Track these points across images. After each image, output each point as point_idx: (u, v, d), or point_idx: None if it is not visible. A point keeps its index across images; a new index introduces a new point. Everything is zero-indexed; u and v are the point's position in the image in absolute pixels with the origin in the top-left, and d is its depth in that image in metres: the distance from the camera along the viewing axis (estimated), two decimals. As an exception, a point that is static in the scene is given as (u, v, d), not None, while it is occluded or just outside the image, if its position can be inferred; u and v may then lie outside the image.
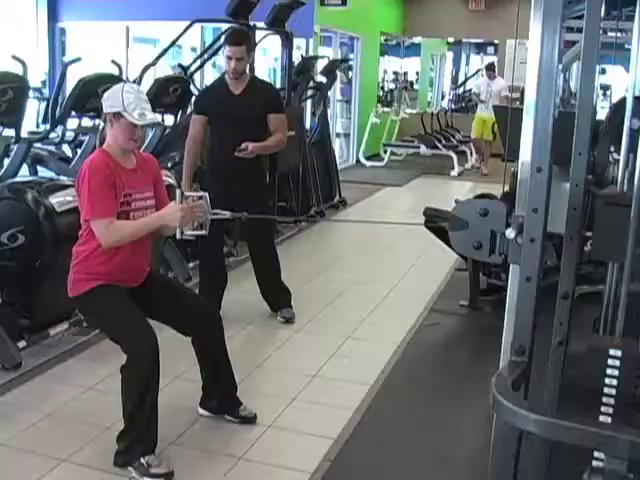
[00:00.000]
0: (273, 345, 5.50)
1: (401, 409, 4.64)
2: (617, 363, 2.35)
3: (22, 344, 4.92)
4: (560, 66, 2.35)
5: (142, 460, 3.70)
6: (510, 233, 2.34)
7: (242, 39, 5.59)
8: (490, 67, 15.49)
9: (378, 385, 4.85)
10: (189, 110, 7.95)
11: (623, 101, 2.85)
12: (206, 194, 3.89)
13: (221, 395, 4.31)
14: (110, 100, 3.75)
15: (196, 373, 4.34)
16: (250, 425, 4.27)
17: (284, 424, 4.33)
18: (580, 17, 2.80)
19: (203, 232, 3.91)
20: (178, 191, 3.77)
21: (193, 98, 7.95)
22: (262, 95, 5.70)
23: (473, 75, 21.56)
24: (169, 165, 6.63)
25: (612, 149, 3.70)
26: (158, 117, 4.04)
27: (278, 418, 4.38)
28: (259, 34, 8.65)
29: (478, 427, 4.09)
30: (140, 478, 3.69)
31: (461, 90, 21.37)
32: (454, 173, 14.91)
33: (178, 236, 3.81)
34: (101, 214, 3.64)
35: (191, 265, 6.67)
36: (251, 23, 8.03)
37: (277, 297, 6.02)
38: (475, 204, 4.06)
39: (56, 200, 5.00)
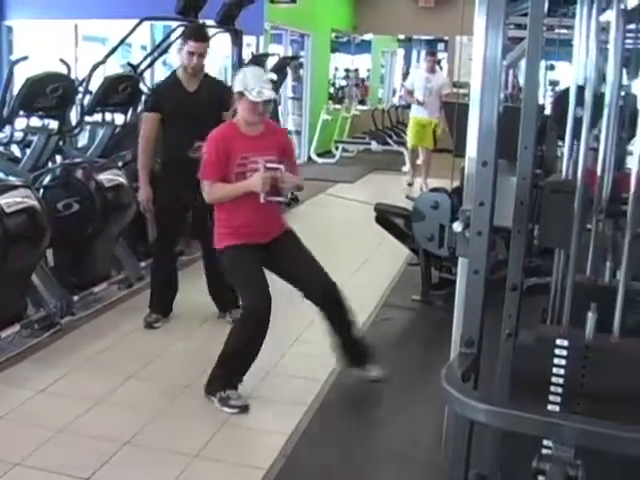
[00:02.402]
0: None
1: (355, 403, 4.68)
2: (564, 352, 2.40)
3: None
4: (504, 62, 2.39)
5: (224, 393, 4.39)
6: (457, 227, 2.38)
7: (206, 35, 5.64)
8: (431, 53, 13.26)
9: (331, 380, 4.87)
10: (140, 108, 7.93)
11: (567, 91, 2.89)
12: (281, 166, 4.40)
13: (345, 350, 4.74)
14: (236, 81, 4.44)
15: (153, 372, 4.33)
16: (207, 422, 4.28)
17: (239, 421, 4.33)
18: (527, 14, 2.84)
19: (281, 198, 4.48)
20: (261, 161, 4.32)
21: (143, 96, 7.93)
22: (216, 92, 5.70)
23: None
24: (120, 164, 6.58)
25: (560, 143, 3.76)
26: (273, 94, 4.46)
27: (233, 415, 4.37)
28: (208, 32, 8.60)
29: (432, 419, 4.12)
30: (221, 407, 4.37)
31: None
32: (405, 169, 14.97)
33: (262, 200, 4.30)
34: (205, 176, 4.46)
35: (143, 264, 6.64)
36: (200, 21, 7.99)
37: (225, 297, 5.96)
38: (428, 197, 4.12)
39: (5, 201, 4.93)
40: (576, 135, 2.75)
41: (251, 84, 4.33)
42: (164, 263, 5.87)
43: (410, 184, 12.96)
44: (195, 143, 5.37)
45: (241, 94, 4.36)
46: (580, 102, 2.70)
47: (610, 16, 2.86)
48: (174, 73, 5.76)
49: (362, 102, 19.25)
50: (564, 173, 2.84)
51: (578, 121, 2.72)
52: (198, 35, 5.55)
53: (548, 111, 5.74)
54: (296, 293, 4.74)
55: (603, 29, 2.96)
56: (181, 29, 8.24)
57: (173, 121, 5.52)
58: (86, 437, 4.07)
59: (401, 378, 4.93)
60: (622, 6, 3.00)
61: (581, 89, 2.70)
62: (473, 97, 2.43)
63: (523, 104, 2.85)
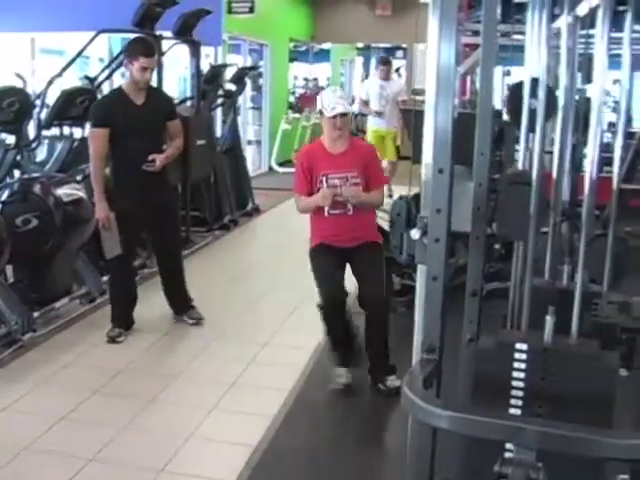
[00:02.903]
0: (189, 355, 5.47)
1: (319, 412, 4.68)
2: (523, 356, 2.42)
3: None
4: (461, 68, 2.41)
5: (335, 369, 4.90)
6: (415, 234, 2.38)
7: (155, 49, 5.69)
8: (385, 62, 12.27)
9: (296, 390, 4.87)
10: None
11: (520, 83, 2.92)
12: (341, 183, 4.70)
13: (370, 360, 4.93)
14: (317, 103, 4.84)
15: (117, 387, 4.28)
16: (172, 436, 4.25)
17: (204, 434, 4.31)
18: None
19: (340, 211, 4.74)
20: (324, 178, 4.71)
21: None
22: (161, 103, 5.83)
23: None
24: (79, 178, 6.52)
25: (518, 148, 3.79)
26: (348, 108, 4.76)
27: (199, 428, 4.36)
28: (166, 43, 8.59)
29: (396, 427, 4.14)
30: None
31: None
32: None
33: (325, 214, 4.74)
34: (295, 190, 4.87)
35: (105, 278, 6.59)
36: (158, 32, 7.96)
37: (182, 300, 6.09)
38: (397, 204, 4.15)
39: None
40: (531, 127, 2.78)
41: (327, 102, 4.71)
42: (123, 277, 5.86)
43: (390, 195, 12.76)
44: (148, 156, 5.46)
45: (321, 113, 4.78)
46: (534, 94, 2.73)
47: (562, 22, 2.90)
48: (119, 87, 5.75)
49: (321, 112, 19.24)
50: (521, 165, 2.86)
51: (532, 112, 2.74)
52: (149, 50, 5.55)
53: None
54: (251, 311, 4.79)
55: (556, 34, 3.00)
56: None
57: (123, 135, 5.46)
58: (51, 454, 4.03)
59: (366, 385, 4.93)
60: (575, 12, 3.05)
61: (535, 81, 2.73)
62: (428, 104, 2.45)
63: (478, 110, 2.87)
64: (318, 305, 4.84)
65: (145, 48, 5.58)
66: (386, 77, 11.89)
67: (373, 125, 11.99)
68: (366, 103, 11.91)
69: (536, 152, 2.68)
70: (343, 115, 4.68)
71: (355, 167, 4.75)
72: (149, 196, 5.55)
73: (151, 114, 5.57)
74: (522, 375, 2.44)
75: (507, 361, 2.45)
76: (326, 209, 4.72)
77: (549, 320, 2.44)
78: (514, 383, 2.45)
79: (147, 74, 5.48)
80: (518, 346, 2.42)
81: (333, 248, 4.84)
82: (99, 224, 5.60)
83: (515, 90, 2.99)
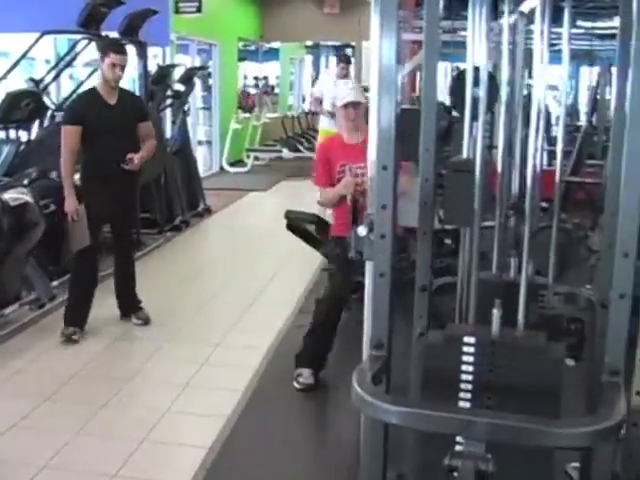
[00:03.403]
0: (142, 357, 5.42)
1: (273, 412, 4.66)
2: (471, 350, 2.44)
3: None
4: (409, 65, 2.42)
5: (298, 370, 4.86)
6: (362, 230, 2.39)
7: (125, 48, 5.73)
8: (346, 59, 10.68)
9: (250, 391, 4.85)
10: (46, 124, 7.79)
11: (463, 72, 2.94)
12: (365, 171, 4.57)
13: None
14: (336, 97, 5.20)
15: (68, 393, 4.22)
16: (126, 440, 4.21)
17: (158, 437, 4.28)
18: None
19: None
20: (347, 167, 4.86)
21: (49, 112, 7.80)
22: (133, 104, 5.92)
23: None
24: (26, 182, 6.44)
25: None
26: (359, 98, 4.93)
27: (152, 431, 4.32)
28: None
29: (349, 424, 4.15)
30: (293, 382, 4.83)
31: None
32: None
33: (348, 203, 4.77)
34: (317, 182, 5.09)
35: (55, 283, 6.52)
36: (103, 33, 7.89)
37: (132, 301, 6.11)
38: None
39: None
40: (474, 115, 2.80)
41: (341, 94, 5.03)
42: (86, 277, 5.81)
43: None
44: (118, 156, 5.52)
45: (334, 105, 5.18)
46: (476, 83, 2.75)
47: (504, 18, 2.93)
48: (93, 87, 5.78)
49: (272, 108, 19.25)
50: (465, 153, 2.87)
51: (475, 101, 2.76)
52: (120, 48, 5.66)
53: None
54: (204, 311, 4.78)
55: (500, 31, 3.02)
56: (85, 42, 8.17)
57: (95, 134, 5.50)
58: (1, 464, 3.97)
59: (320, 382, 4.94)
60: (519, 8, 3.08)
61: (476, 70, 2.75)
62: (371, 101, 2.46)
63: (423, 106, 2.89)
64: (324, 294, 4.99)
65: (115, 45, 5.73)
66: (344, 76, 10.26)
67: (325, 126, 10.30)
68: (319, 101, 10.53)
69: (479, 140, 2.70)
70: (355, 105, 4.90)
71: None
72: (115, 196, 5.62)
73: (123, 114, 5.63)
74: (470, 368, 2.46)
75: (455, 355, 2.46)
76: (348, 198, 4.79)
77: (496, 313, 2.46)
78: (463, 376, 2.47)
79: (117, 71, 5.53)
80: (466, 339, 2.44)
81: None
82: (68, 217, 5.61)
83: (457, 79, 3.01)
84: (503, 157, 2.95)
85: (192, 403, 4.71)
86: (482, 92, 2.73)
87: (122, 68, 5.58)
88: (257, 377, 5.04)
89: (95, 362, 5.34)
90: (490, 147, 3.00)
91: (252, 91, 19.71)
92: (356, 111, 4.89)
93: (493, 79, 2.80)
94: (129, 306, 6.11)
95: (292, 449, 4.19)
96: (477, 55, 2.80)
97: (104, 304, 6.04)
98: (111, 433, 4.32)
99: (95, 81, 6.13)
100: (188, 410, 4.61)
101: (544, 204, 3.31)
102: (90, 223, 5.60)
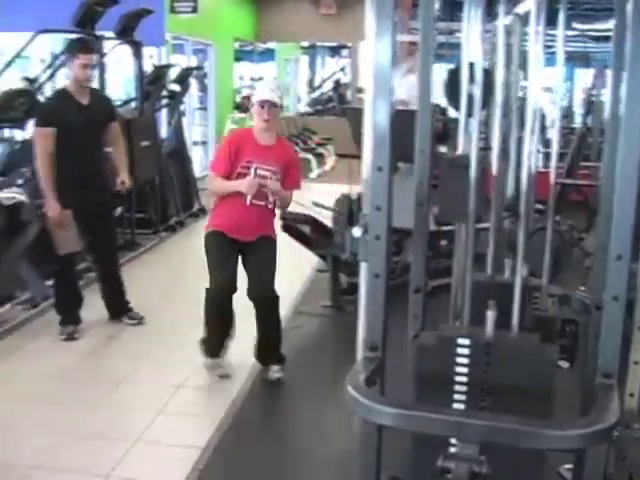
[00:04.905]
0: (135, 357, 5.41)
1: (268, 413, 4.67)
2: (466, 351, 2.44)
3: None
4: (407, 66, 2.42)
5: (204, 359, 5.03)
6: (357, 232, 2.39)
7: (93, 47, 5.75)
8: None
9: (244, 391, 4.85)
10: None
11: (457, 68, 2.93)
12: (270, 174, 4.69)
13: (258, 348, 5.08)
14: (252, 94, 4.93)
15: (61, 393, 4.22)
16: (116, 441, 4.21)
17: (151, 437, 4.27)
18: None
19: (263, 203, 4.73)
20: (253, 166, 4.65)
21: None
22: (104, 104, 5.95)
23: (329, 77, 21.89)
24: (20, 182, 6.43)
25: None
26: (276, 97, 4.72)
27: (145, 431, 4.32)
28: (108, 44, 8.51)
29: (343, 425, 4.14)
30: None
31: (317, 93, 21.67)
32: (313, 175, 15.03)
33: (247, 202, 4.64)
34: (212, 168, 4.92)
35: (49, 283, 6.50)
36: (98, 33, 7.88)
37: (121, 302, 6.11)
38: (339, 203, 4.12)
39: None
40: (469, 111, 2.79)
41: (257, 91, 4.87)
42: (69, 277, 5.84)
43: None
44: (91, 155, 5.57)
45: (250, 101, 4.89)
46: (472, 80, 2.75)
47: (500, 20, 2.93)
48: (63, 88, 5.73)
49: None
50: (460, 149, 2.87)
51: (470, 97, 2.76)
52: (88, 47, 5.64)
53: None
54: (198, 311, 4.82)
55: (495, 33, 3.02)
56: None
57: (69, 135, 5.44)
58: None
59: (312, 384, 4.94)
60: (514, 10, 3.08)
61: (471, 67, 2.75)
62: (366, 102, 2.45)
63: (418, 107, 2.89)
64: (208, 290, 4.83)
65: (83, 45, 5.68)
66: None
67: None
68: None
69: (474, 136, 2.69)
70: (272, 106, 4.69)
71: (278, 163, 4.77)
72: (89, 197, 5.60)
73: (96, 114, 5.64)
74: (465, 370, 2.46)
75: (450, 356, 2.46)
76: (249, 197, 4.66)
77: (490, 314, 2.46)
78: (457, 378, 2.47)
79: (87, 71, 5.51)
80: (460, 341, 2.44)
81: (231, 239, 4.84)
82: (51, 222, 5.59)
83: (452, 75, 3.00)
84: (498, 158, 2.95)
85: (185, 404, 4.70)
86: (477, 89, 2.73)
87: (92, 67, 5.57)
88: (251, 378, 5.03)
89: (87, 363, 5.34)
90: (485, 148, 3.00)
91: (247, 92, 19.69)
92: (272, 111, 4.70)
93: (488, 75, 2.79)
94: (119, 308, 6.11)
95: (285, 450, 4.19)
96: (472, 54, 2.80)
97: (94, 305, 6.03)
98: (104, 433, 4.31)
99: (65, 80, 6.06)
100: (181, 411, 4.61)
101: (539, 206, 3.31)
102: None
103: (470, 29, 2.78)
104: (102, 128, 5.73)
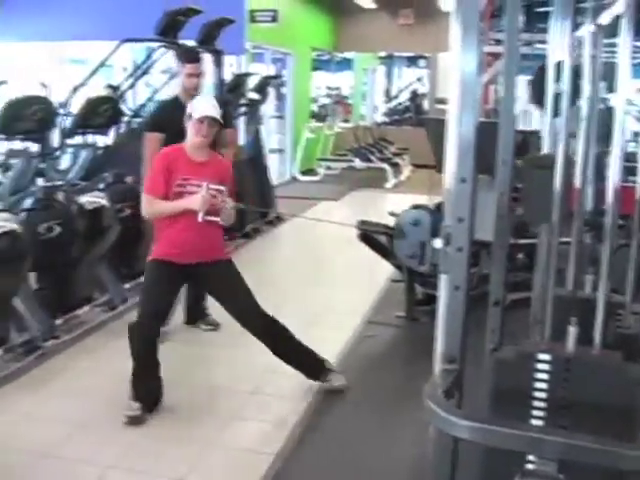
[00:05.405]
0: (209, 362, 5.49)
1: (340, 422, 4.65)
2: (546, 367, 2.40)
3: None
4: (484, 77, 2.40)
5: (129, 401, 4.53)
6: (438, 243, 2.37)
7: (199, 56, 5.87)
8: None
9: (318, 399, 4.85)
10: (121, 129, 7.93)
11: (543, 67, 2.90)
12: (224, 188, 4.56)
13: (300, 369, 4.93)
14: (188, 109, 4.63)
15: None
16: (190, 445, 4.26)
17: (224, 442, 4.32)
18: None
19: (217, 219, 4.55)
20: (204, 183, 4.45)
21: (125, 118, 7.94)
22: None
23: (406, 87, 21.89)
24: (102, 186, 6.57)
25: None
26: (217, 114, 4.56)
27: (219, 436, 4.36)
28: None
29: (417, 438, 4.11)
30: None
31: (393, 103, 21.67)
32: (389, 185, 15.03)
33: (199, 219, 4.42)
34: (147, 191, 4.59)
35: (127, 286, 6.63)
36: (181, 42, 8.01)
37: (201, 307, 6.19)
38: (408, 214, 4.10)
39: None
40: (555, 111, 2.77)
41: (197, 106, 4.59)
42: None
43: None
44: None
45: (189, 116, 4.57)
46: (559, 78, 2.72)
47: (585, 31, 2.89)
48: (175, 95, 5.88)
49: (345, 120, 19.29)
50: (545, 149, 2.84)
51: (558, 96, 2.73)
52: (192, 57, 5.81)
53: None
54: (282, 308, 4.79)
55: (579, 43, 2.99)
56: (162, 50, 8.29)
57: (178, 141, 5.52)
58: (72, 461, 4.05)
59: (387, 394, 4.92)
60: (598, 21, 3.03)
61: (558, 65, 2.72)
62: (450, 113, 2.44)
63: (501, 119, 2.86)
64: (136, 324, 4.60)
65: (190, 55, 5.91)
66: None
67: None
68: None
69: (562, 135, 2.66)
70: (212, 122, 4.54)
71: (214, 179, 4.57)
72: None
73: None
74: (544, 386, 2.42)
75: (529, 371, 2.43)
76: (200, 214, 4.43)
77: (572, 330, 2.42)
78: (536, 394, 2.43)
79: (194, 80, 5.66)
80: (540, 356, 2.40)
81: (177, 266, 4.61)
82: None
83: (539, 74, 2.97)
84: (581, 171, 2.91)
85: (258, 410, 4.73)
86: (565, 86, 2.69)
87: (199, 76, 5.68)
88: (323, 386, 5.03)
89: (163, 366, 5.39)
90: (570, 136, 2.96)
91: (324, 100, 19.78)
92: (210, 128, 4.54)
93: (576, 74, 2.75)
94: (196, 313, 6.20)
95: (357, 460, 4.17)
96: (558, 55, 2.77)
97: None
98: (178, 436, 4.36)
99: (176, 88, 6.19)
100: (254, 416, 4.65)
101: (620, 221, 3.25)
102: None
103: (556, 38, 2.75)
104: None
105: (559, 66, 2.74)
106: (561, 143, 2.66)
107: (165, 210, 4.56)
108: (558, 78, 2.74)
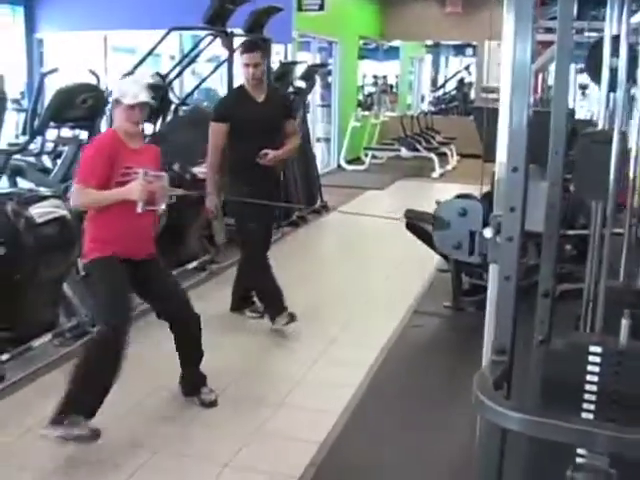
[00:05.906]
0: (257, 352, 5.51)
1: (386, 412, 4.65)
2: (597, 359, 2.37)
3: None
4: (533, 66, 2.37)
5: (72, 418, 3.94)
6: (488, 232, 2.35)
7: (256, 46, 5.83)
8: None
9: (363, 388, 4.86)
10: (169, 117, 7.98)
11: (600, 41, 2.86)
12: (165, 174, 4.32)
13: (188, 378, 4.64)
14: (113, 91, 4.36)
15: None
16: (235, 429, 4.29)
17: (271, 430, 4.34)
18: (556, 18, 2.81)
19: (157, 207, 4.27)
20: (141, 170, 4.12)
21: (172, 106, 7.98)
22: (280, 101, 6.06)
23: (453, 76, 21.75)
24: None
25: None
26: (149, 98, 4.22)
27: (265, 423, 4.38)
28: (237, 41, 8.65)
29: (463, 427, 4.09)
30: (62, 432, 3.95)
31: (440, 92, 21.55)
32: (435, 175, 14.96)
33: (139, 209, 4.09)
34: (80, 180, 4.17)
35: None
36: (229, 30, 8.03)
37: (247, 295, 6.21)
38: (454, 204, 4.03)
39: (36, 211, 4.99)
40: (612, 86, 2.72)
41: (127, 89, 4.22)
42: (264, 272, 5.90)
43: None
44: (268, 147, 5.59)
45: (117, 102, 4.23)
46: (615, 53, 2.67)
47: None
48: (241, 85, 5.90)
49: (392, 109, 19.23)
50: (601, 125, 2.80)
51: (614, 71, 2.69)
52: (247, 47, 5.80)
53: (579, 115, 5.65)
54: (320, 308, 4.78)
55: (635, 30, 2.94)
56: (209, 38, 8.33)
57: (243, 131, 5.61)
58: (187, 458, 4.09)
59: (433, 384, 4.91)
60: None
61: (616, 39, 2.68)
62: (502, 102, 2.41)
63: (553, 108, 2.82)
64: (97, 335, 4.25)
65: (245, 45, 5.90)
66: None
67: None
68: None
69: (618, 111, 2.62)
70: (142, 107, 4.23)
71: (152, 165, 4.31)
72: (265, 188, 5.74)
73: (270, 111, 5.72)
74: (595, 379, 2.39)
75: (580, 364, 2.40)
76: (140, 204, 4.09)
77: (625, 322, 2.38)
78: (587, 387, 2.40)
79: (251, 69, 5.64)
80: (592, 349, 2.37)
81: (120, 261, 4.24)
82: (209, 214, 5.92)
83: (595, 49, 2.92)
84: (634, 166, 2.87)
85: (305, 398, 4.75)
86: (622, 61, 2.64)
87: (256, 66, 5.64)
88: (370, 375, 5.04)
89: (209, 354, 5.42)
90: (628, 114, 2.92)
91: (371, 89, 19.73)
92: (142, 115, 4.27)
93: (633, 50, 2.71)
94: (243, 300, 6.21)
95: (403, 450, 4.16)
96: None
97: (212, 298, 6.13)
98: (225, 422, 4.40)
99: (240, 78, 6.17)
100: (301, 405, 4.66)
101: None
102: (250, 222, 5.71)
103: (612, 28, 2.70)
104: (275, 124, 5.76)
105: (615, 41, 2.69)
106: (617, 118, 2.62)
107: (101, 200, 4.16)
108: (614, 53, 2.69)
